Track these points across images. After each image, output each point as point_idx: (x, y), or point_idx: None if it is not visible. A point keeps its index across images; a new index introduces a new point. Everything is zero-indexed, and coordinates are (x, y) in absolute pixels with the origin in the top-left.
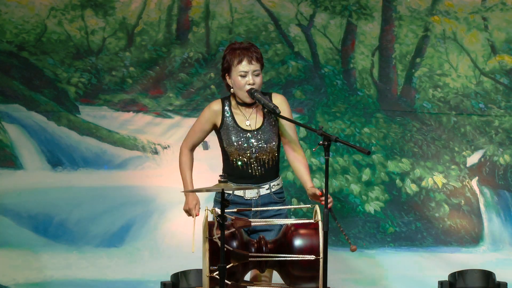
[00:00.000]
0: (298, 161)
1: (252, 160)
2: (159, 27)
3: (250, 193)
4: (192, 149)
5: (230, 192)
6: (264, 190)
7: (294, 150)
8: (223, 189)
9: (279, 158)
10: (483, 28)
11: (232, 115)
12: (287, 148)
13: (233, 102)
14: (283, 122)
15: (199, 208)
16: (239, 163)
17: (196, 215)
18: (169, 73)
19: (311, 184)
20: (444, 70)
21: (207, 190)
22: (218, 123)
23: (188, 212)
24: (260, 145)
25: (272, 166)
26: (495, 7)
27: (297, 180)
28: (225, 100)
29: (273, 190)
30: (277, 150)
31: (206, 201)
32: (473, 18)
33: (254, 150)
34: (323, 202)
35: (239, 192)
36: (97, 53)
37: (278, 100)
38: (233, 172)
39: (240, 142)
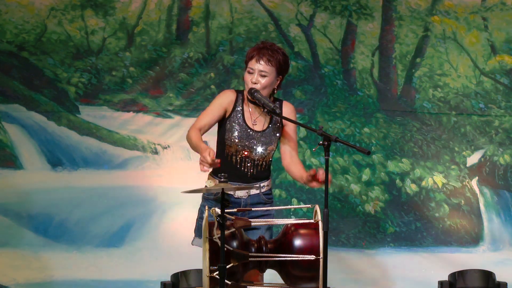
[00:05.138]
0: (295, 164)
1: (247, 159)
2: (159, 27)
3: (239, 192)
4: (200, 130)
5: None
6: (254, 190)
7: (291, 158)
8: (223, 189)
9: (272, 161)
10: (483, 28)
11: (242, 110)
12: (285, 157)
13: (245, 97)
14: (286, 132)
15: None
16: (234, 159)
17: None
18: (169, 73)
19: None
20: (444, 70)
21: (207, 190)
22: (229, 111)
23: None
24: (260, 147)
25: (265, 168)
26: (495, 7)
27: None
28: (239, 93)
29: (262, 190)
30: (272, 157)
31: (206, 201)
32: (473, 18)
33: (252, 151)
34: (320, 180)
35: (229, 190)
36: (97, 53)
37: (289, 110)
38: (225, 167)
39: (242, 140)
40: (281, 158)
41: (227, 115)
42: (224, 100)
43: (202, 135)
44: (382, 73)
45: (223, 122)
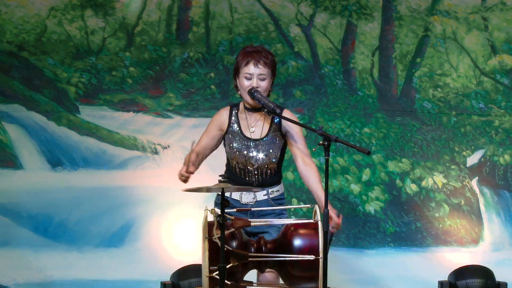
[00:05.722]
0: (311, 175)
1: (250, 168)
2: (159, 27)
3: (246, 198)
4: (199, 154)
5: (228, 195)
6: (261, 196)
7: (305, 163)
8: (223, 189)
9: (281, 168)
10: (483, 28)
11: (238, 121)
12: (298, 161)
13: (241, 108)
14: (291, 137)
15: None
16: (238, 169)
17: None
18: (169, 73)
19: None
20: (444, 70)
21: (207, 190)
22: (225, 127)
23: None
24: (260, 155)
25: (271, 176)
26: (495, 7)
27: (297, 180)
28: (233, 106)
29: (271, 196)
30: (278, 163)
31: (206, 201)
32: (473, 18)
33: (253, 160)
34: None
35: (236, 196)
36: (97, 53)
37: (288, 115)
38: (232, 176)
39: (241, 149)
40: (296, 166)
41: (224, 131)
42: (217, 119)
43: (202, 157)
44: (382, 73)
45: (224, 138)
